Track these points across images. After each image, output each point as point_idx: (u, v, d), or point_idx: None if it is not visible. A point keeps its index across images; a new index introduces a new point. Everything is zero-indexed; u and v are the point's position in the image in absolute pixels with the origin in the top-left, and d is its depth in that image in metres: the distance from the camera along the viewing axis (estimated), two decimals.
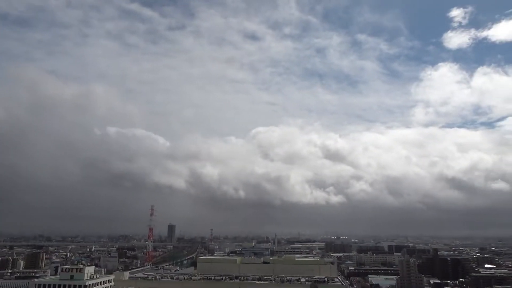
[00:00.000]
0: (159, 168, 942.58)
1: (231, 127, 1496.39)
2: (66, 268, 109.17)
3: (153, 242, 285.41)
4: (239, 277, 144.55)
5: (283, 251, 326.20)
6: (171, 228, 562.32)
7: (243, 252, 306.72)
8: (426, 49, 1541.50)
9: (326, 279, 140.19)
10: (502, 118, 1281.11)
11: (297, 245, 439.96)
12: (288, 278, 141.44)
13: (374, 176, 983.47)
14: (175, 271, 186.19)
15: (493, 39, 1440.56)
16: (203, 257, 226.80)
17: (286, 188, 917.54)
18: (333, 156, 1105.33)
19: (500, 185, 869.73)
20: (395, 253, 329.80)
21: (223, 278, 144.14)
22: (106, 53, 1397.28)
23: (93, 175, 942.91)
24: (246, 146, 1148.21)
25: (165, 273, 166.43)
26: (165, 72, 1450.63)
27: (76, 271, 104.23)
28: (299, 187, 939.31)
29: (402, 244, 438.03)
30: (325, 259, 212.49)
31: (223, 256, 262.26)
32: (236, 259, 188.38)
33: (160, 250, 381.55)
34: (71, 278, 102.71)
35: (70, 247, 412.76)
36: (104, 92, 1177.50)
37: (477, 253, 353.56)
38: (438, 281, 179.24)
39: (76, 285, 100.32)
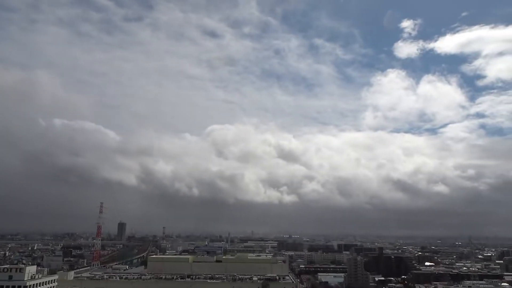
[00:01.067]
0: (108, 163, 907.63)
1: (186, 123, 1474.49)
2: (4, 268, 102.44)
3: (102, 240, 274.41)
4: (191, 276, 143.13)
5: (236, 250, 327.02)
6: (121, 226, 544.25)
7: (196, 251, 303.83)
8: (378, 56, 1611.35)
9: (277, 277, 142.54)
10: (444, 125, 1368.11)
11: (250, 244, 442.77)
12: (240, 276, 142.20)
13: (326, 177, 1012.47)
14: (124, 270, 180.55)
15: (439, 51, 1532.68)
16: (154, 256, 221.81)
17: (240, 187, 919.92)
18: (287, 156, 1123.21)
19: (440, 187, 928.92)
20: (344, 252, 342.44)
21: (175, 277, 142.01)
22: (56, 41, 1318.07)
23: (37, 169, 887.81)
24: (201, 144, 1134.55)
25: (113, 273, 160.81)
26: (119, 64, 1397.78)
27: (16, 271, 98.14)
28: (253, 186, 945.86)
29: (351, 243, 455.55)
30: (277, 257, 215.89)
31: (175, 255, 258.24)
32: (188, 258, 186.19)
33: (109, 249, 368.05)
34: (9, 278, 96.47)
35: (9, 246, 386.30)
36: (50, 81, 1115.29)
37: (419, 251, 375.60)
38: (383, 278, 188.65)
39: (15, 285, 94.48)
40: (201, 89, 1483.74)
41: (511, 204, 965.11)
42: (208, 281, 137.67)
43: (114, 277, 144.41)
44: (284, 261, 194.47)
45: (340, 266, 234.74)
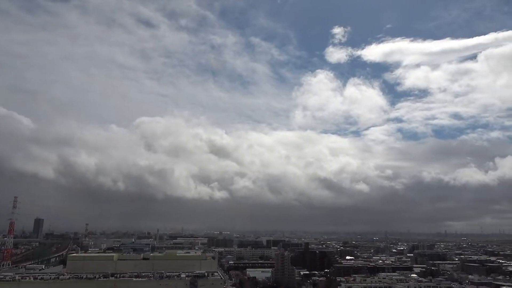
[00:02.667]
0: (21, 153, 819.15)
1: (113, 114, 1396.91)
2: None
3: (15, 238, 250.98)
4: (115, 275, 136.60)
5: (164, 247, 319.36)
6: (38, 222, 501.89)
7: (122, 249, 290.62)
8: (311, 60, 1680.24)
9: (206, 274, 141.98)
10: (367, 128, 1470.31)
11: (179, 240, 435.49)
12: (168, 274, 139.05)
13: (257, 173, 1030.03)
14: (40, 270, 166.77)
15: (365, 58, 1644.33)
16: (74, 255, 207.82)
17: (170, 182, 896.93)
18: (219, 151, 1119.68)
19: (362, 186, 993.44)
20: (272, 247, 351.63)
21: (97, 276, 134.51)
22: None
23: None
24: (129, 136, 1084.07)
25: (27, 273, 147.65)
26: (42, 47, 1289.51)
27: None
28: (184, 181, 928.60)
29: (279, 239, 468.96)
30: (206, 254, 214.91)
31: (98, 253, 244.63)
32: (112, 255, 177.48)
33: (22, 247, 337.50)
34: None
35: None
36: None
37: (341, 246, 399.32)
38: (307, 272, 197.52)
39: None
40: (133, 79, 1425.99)
41: (423, 202, 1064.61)
42: (134, 279, 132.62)
43: (27, 278, 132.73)
44: (213, 258, 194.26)
45: (268, 262, 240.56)
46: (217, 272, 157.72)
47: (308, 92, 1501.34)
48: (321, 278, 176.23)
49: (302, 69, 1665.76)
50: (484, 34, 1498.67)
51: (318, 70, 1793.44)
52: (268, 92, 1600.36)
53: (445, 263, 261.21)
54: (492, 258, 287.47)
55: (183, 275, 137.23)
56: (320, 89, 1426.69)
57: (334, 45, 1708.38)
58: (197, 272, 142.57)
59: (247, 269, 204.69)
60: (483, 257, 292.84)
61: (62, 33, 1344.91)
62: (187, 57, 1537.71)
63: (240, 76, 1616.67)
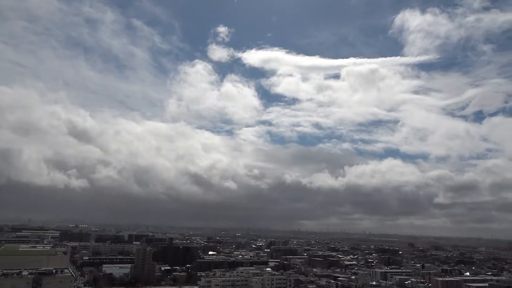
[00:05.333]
0: None
1: None
2: None
3: None
4: None
5: (5, 241, 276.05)
6: None
7: None
8: (193, 53, 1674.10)
9: (54, 271, 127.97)
10: (240, 128, 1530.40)
11: (25, 233, 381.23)
12: (5, 271, 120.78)
13: (123, 163, 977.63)
14: None
15: (245, 61, 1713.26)
16: None
17: (15, 165, 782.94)
18: (80, 135, 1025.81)
19: (230, 183, 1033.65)
20: (134, 242, 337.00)
21: None
22: None
23: None
24: None
25: None
26: None
27: None
28: (34, 166, 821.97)
29: (143, 233, 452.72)
30: (57, 249, 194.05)
31: None
32: None
33: None
34: None
35: None
36: None
37: (205, 242, 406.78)
38: (169, 267, 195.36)
39: None
40: None
41: (283, 202, 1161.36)
42: None
43: None
44: (65, 253, 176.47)
45: (128, 257, 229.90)
46: (68, 269, 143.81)
47: (184, 82, 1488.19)
48: (182, 274, 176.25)
49: (183, 61, 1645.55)
50: (347, 57, 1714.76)
51: (196, 60, 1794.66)
52: (146, 80, 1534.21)
53: (296, 257, 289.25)
54: (333, 254, 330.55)
55: (25, 273, 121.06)
56: (197, 80, 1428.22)
57: (217, 43, 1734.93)
58: (43, 269, 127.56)
59: (104, 265, 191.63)
60: (327, 253, 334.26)
61: None
62: (55, 26, 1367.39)
63: (116, 57, 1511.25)
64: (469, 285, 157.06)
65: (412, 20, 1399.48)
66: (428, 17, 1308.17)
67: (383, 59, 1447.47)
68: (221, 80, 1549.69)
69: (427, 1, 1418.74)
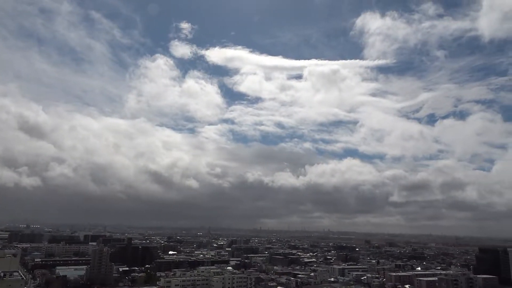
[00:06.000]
0: None
1: None
2: None
3: None
4: None
5: None
6: None
7: None
8: (155, 49, 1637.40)
9: (2, 274, 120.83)
10: (202, 126, 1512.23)
11: None
12: None
13: (79, 161, 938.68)
14: None
15: (208, 59, 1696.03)
16: None
17: None
18: (32, 130, 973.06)
19: (192, 182, 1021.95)
20: (90, 243, 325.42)
21: None
22: None
23: None
24: None
25: None
26: None
27: None
28: None
29: (99, 234, 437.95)
30: (6, 251, 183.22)
31: None
32: None
33: None
34: None
35: None
36: None
37: (165, 241, 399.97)
38: (127, 268, 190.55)
39: None
40: None
41: (245, 201, 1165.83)
42: None
43: None
44: (14, 255, 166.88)
45: (84, 258, 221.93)
46: (18, 272, 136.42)
47: (144, 77, 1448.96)
48: (141, 274, 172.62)
49: (144, 56, 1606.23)
50: (309, 59, 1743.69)
51: (157, 55, 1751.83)
52: (104, 74, 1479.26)
53: (257, 256, 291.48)
54: (294, 251, 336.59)
55: None
56: (158, 75, 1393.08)
57: (180, 39, 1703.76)
58: None
59: (57, 268, 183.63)
60: (287, 251, 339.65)
61: None
62: (6, 15, 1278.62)
63: (73, 50, 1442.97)
64: (420, 279, 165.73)
65: (372, 22, 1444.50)
66: (388, 20, 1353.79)
67: (344, 61, 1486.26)
68: (183, 76, 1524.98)
69: (387, 5, 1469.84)
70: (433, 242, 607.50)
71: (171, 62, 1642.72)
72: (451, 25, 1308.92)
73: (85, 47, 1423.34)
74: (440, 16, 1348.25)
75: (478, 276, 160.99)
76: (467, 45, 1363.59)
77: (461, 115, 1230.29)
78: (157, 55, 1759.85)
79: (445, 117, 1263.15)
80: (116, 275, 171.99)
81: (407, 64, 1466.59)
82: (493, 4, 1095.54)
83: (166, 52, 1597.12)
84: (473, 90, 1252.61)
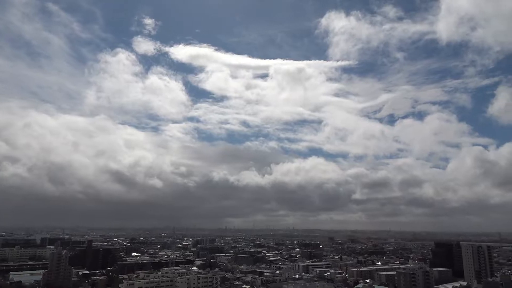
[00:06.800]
0: None
1: None
2: None
3: None
4: None
5: None
6: None
7: None
8: (117, 45, 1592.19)
9: None
10: (166, 124, 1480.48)
11: None
12: None
13: (35, 160, 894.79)
14: None
15: (172, 56, 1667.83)
16: None
17: None
18: None
19: (155, 181, 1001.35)
20: (48, 246, 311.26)
21: None
22: None
23: None
24: None
25: None
26: None
27: None
28: None
29: (58, 236, 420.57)
30: None
31: None
32: None
33: None
34: None
35: None
36: None
37: (128, 243, 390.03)
38: (87, 272, 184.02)
39: None
40: None
41: (210, 200, 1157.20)
42: None
43: None
44: None
45: (41, 263, 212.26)
46: None
47: (104, 72, 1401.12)
48: (102, 277, 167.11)
49: (104, 52, 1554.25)
50: (274, 58, 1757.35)
51: (118, 49, 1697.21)
52: (63, 70, 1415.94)
53: (223, 255, 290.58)
54: (259, 250, 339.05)
55: None
56: (119, 70, 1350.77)
57: (143, 35, 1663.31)
58: None
59: (11, 273, 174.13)
60: (253, 249, 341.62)
61: None
62: None
63: (29, 44, 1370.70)
64: (380, 274, 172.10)
65: (337, 22, 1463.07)
66: (352, 20, 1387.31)
67: (308, 62, 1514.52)
68: (146, 72, 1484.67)
69: (352, 5, 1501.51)
70: (392, 237, 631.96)
71: (133, 57, 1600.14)
72: (410, 28, 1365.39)
73: (41, 41, 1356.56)
74: (400, 19, 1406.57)
75: (433, 269, 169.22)
76: (424, 48, 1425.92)
77: (419, 116, 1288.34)
78: (119, 49, 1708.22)
79: (404, 117, 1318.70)
80: (76, 279, 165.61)
81: (369, 65, 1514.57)
82: (451, 8, 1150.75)
83: (129, 48, 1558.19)
84: (429, 92, 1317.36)
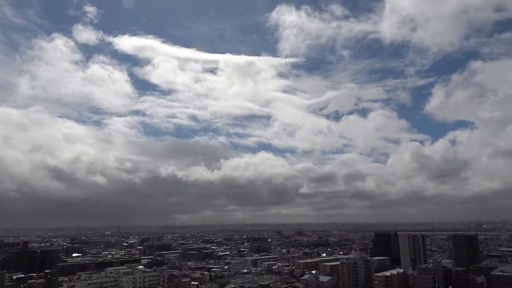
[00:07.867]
0: None
1: None
2: None
3: None
4: None
5: None
6: None
7: None
8: (55, 33, 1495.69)
9: None
10: (109, 118, 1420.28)
11: None
12: None
13: None
14: None
15: (116, 47, 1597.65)
16: None
17: None
18: None
19: (98, 178, 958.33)
20: None
21: None
22: None
23: None
24: None
25: None
26: None
27: None
28: None
29: None
30: None
31: None
32: None
33: None
34: None
35: None
36: None
37: (68, 243, 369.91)
38: (23, 275, 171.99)
39: None
40: None
41: (157, 196, 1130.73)
42: None
43: None
44: None
45: None
46: None
47: (39, 59, 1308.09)
48: (39, 281, 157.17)
49: (39, 38, 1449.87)
50: (223, 53, 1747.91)
51: (55, 34, 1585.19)
52: None
53: (170, 252, 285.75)
54: (208, 246, 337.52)
55: None
56: (56, 58, 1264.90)
57: (84, 23, 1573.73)
58: None
59: None
60: (201, 245, 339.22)
61: None
62: None
63: None
64: (325, 265, 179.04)
65: (287, 15, 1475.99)
66: (302, 14, 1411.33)
67: (257, 57, 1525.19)
68: (86, 60, 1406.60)
69: None
70: (336, 229, 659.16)
71: (72, 43, 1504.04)
72: (355, 27, 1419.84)
73: None
74: (346, 18, 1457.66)
75: (374, 258, 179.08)
76: (368, 47, 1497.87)
77: (363, 112, 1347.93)
78: (55, 34, 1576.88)
79: (349, 113, 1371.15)
80: (9, 283, 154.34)
81: (316, 63, 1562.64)
82: (394, 8, 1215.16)
83: (68, 35, 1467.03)
84: (371, 90, 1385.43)
